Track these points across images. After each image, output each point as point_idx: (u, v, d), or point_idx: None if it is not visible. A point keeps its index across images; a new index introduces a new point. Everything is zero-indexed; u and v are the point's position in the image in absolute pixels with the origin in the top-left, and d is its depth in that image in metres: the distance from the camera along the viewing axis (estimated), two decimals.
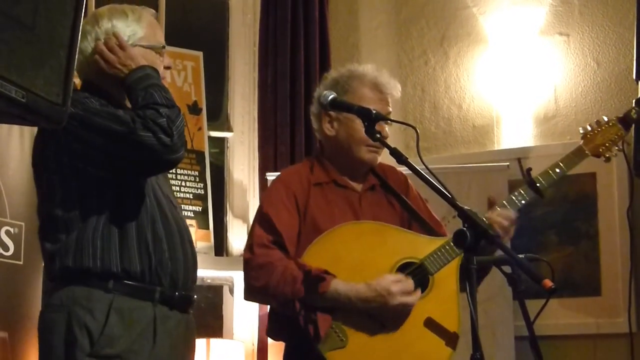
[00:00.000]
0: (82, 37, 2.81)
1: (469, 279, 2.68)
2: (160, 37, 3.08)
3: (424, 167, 2.95)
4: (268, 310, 3.51)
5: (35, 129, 3.26)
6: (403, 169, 3.26)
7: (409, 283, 3.25)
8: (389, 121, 3.27)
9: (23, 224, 4.46)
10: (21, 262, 4.45)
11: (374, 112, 3.11)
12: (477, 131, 5.41)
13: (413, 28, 5.69)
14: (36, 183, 2.97)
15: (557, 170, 3.47)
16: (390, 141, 3.12)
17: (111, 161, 2.81)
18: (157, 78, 2.90)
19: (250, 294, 3.42)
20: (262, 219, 3.41)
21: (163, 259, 2.89)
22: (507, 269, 2.93)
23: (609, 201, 4.91)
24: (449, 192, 2.88)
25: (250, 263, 3.35)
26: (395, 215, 3.50)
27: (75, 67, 1.93)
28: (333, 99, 3.22)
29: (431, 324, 3.29)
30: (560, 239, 4.97)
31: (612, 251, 4.86)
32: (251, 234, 3.43)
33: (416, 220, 3.46)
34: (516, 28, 5.32)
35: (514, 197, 3.42)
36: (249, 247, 3.39)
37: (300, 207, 3.42)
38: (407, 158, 2.99)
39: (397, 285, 3.22)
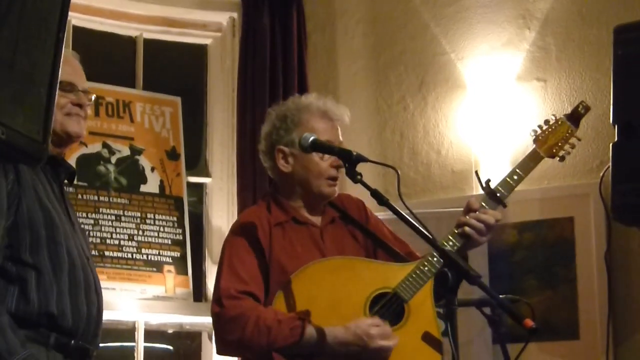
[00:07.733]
0: None
1: (451, 320, 2.67)
2: (68, 75, 2.99)
3: (404, 208, 2.95)
4: None
5: None
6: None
7: (386, 327, 3.21)
8: (369, 162, 3.23)
9: None
10: None
11: (355, 153, 3.11)
12: (456, 176, 5.41)
13: (391, 74, 5.71)
14: None
15: (515, 177, 3.49)
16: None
17: None
18: None
19: (224, 348, 3.36)
20: (227, 269, 3.36)
21: (61, 305, 2.81)
22: (487, 310, 2.93)
23: (587, 245, 4.90)
24: (430, 234, 2.88)
25: (221, 317, 3.28)
26: (359, 246, 3.45)
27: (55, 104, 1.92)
28: (314, 141, 3.21)
29: (412, 354, 3.25)
30: (539, 283, 4.97)
31: (590, 295, 4.86)
32: (217, 287, 3.36)
33: (380, 247, 3.42)
34: (494, 73, 5.35)
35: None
36: (217, 300, 3.31)
37: (264, 250, 3.35)
38: (388, 200, 2.99)
39: (376, 329, 3.18)
